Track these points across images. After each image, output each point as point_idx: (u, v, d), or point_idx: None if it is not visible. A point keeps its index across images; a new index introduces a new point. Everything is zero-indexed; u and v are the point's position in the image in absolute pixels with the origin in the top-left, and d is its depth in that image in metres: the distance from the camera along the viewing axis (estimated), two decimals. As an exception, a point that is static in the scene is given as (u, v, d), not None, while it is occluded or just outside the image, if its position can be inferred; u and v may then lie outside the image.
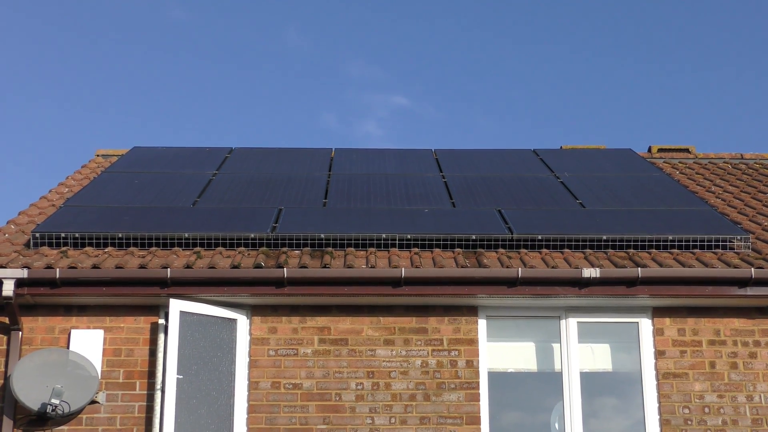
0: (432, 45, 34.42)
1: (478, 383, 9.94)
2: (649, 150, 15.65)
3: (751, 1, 32.85)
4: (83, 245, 10.57)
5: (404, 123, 35.01)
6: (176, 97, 34.27)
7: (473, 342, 10.04)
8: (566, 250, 10.61)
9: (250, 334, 10.03)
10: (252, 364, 9.94)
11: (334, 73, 34.88)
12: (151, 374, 9.80)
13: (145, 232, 10.62)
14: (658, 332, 10.13)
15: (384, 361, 9.98)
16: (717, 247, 10.76)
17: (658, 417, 9.94)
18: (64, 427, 9.63)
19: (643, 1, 33.41)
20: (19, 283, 9.66)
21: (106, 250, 10.45)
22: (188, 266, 9.93)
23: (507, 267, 10.00)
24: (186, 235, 10.62)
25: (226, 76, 34.36)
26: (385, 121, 35.22)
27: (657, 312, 10.18)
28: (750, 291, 9.97)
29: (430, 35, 34.45)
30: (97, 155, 15.00)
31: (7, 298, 9.59)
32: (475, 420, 9.83)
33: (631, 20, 33.74)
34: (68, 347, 9.81)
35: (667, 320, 10.16)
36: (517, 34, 34.41)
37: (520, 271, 9.87)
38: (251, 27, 34.80)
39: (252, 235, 10.65)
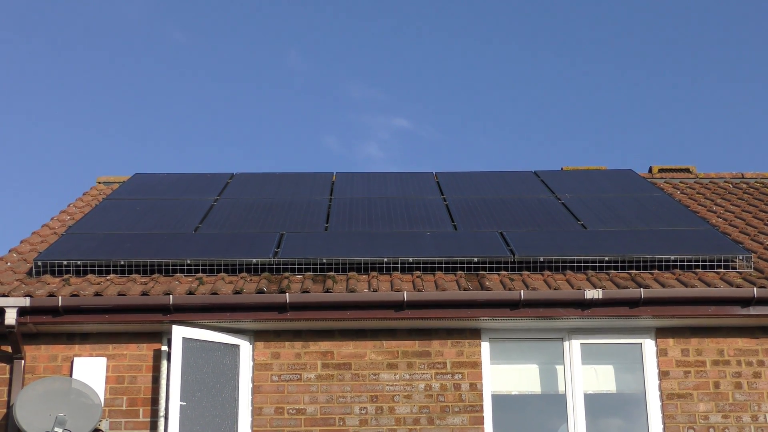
0: (432, 67, 34.53)
1: (482, 406, 9.92)
2: (650, 170, 15.66)
3: (752, 21, 32.96)
4: (85, 273, 10.57)
5: (405, 145, 35.08)
6: (177, 121, 34.35)
7: (477, 365, 10.03)
8: (568, 272, 10.61)
9: (253, 359, 10.02)
10: (255, 390, 9.92)
11: (335, 96, 34.98)
12: (155, 401, 9.79)
13: (147, 259, 10.62)
14: (661, 353, 10.11)
15: (387, 385, 9.96)
16: (719, 266, 10.76)
17: (663, 438, 9.91)
18: (68, 456, 9.61)
19: (643, 22, 33.53)
20: (22, 311, 9.65)
21: (109, 278, 10.46)
22: (191, 292, 9.93)
23: (509, 289, 9.99)
24: (188, 261, 10.63)
25: (227, 100, 34.45)
26: (386, 143, 35.30)
27: (660, 332, 10.17)
28: (753, 310, 9.96)
29: (430, 57, 34.56)
30: (99, 182, 15.03)
31: (10, 326, 9.59)
32: (480, 443, 9.80)
33: (630, 41, 33.86)
34: (71, 375, 9.80)
35: (671, 341, 10.15)
36: (516, 55, 34.52)
37: (523, 294, 9.87)
38: (252, 50, 34.92)
39: (254, 261, 10.66)
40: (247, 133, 34.40)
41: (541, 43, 34.15)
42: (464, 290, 10.02)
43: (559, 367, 10.20)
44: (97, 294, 9.87)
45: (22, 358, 9.83)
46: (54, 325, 9.85)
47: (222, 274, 10.57)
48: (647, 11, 33.41)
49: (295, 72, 35.12)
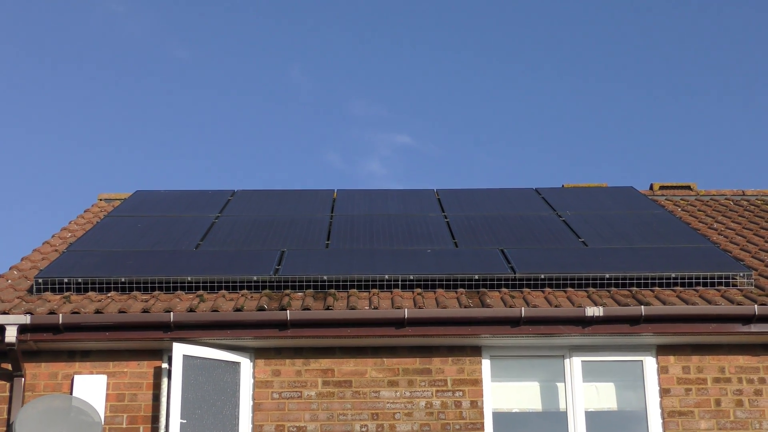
0: (434, 83, 34.60)
1: (483, 424, 9.90)
2: (651, 187, 15.67)
3: (753, 38, 33.04)
4: (86, 290, 10.58)
5: (407, 161, 35.10)
6: (178, 137, 34.39)
7: (477, 382, 10.02)
8: (569, 289, 10.61)
9: (254, 377, 10.01)
10: (256, 407, 9.91)
11: (338, 112, 35.03)
12: (155, 419, 9.77)
13: (148, 276, 10.63)
14: (662, 370, 10.10)
15: (388, 402, 9.95)
16: (720, 284, 10.75)
17: (665, 456, 9.88)
18: (68, 474, 9.59)
19: (644, 40, 33.61)
20: (22, 329, 9.65)
21: (109, 295, 10.46)
22: (191, 310, 9.93)
23: (510, 306, 9.99)
24: (189, 279, 10.63)
25: (229, 116, 34.50)
26: (388, 160, 35.32)
27: (661, 350, 10.16)
28: (754, 328, 9.95)
29: (432, 74, 34.63)
30: (100, 199, 15.04)
31: (10, 344, 9.58)
32: (481, 461, 9.77)
33: (632, 59, 33.93)
34: (71, 393, 9.79)
35: (672, 358, 10.14)
36: (518, 72, 34.58)
37: (524, 311, 9.86)
38: (255, 66, 34.99)
39: (255, 278, 10.66)
40: (249, 149, 34.44)
41: (543, 60, 34.22)
42: (465, 307, 10.01)
43: (560, 385, 10.18)
44: (97, 311, 9.87)
45: (22, 376, 9.82)
46: (54, 343, 9.84)
47: (223, 291, 10.57)
48: (649, 29, 33.51)
49: (297, 88, 35.20)
